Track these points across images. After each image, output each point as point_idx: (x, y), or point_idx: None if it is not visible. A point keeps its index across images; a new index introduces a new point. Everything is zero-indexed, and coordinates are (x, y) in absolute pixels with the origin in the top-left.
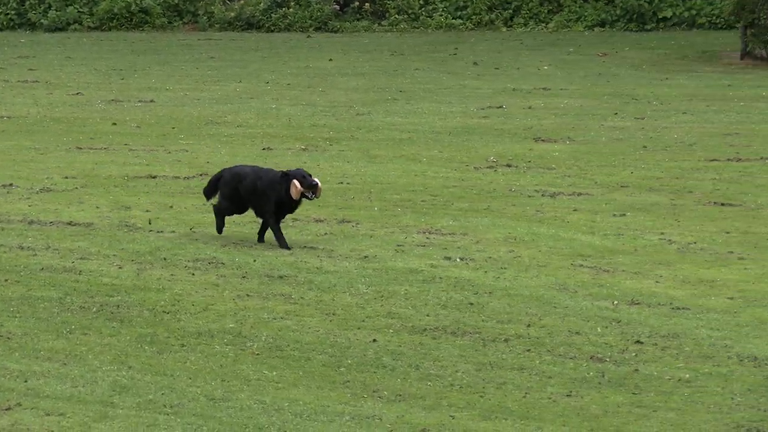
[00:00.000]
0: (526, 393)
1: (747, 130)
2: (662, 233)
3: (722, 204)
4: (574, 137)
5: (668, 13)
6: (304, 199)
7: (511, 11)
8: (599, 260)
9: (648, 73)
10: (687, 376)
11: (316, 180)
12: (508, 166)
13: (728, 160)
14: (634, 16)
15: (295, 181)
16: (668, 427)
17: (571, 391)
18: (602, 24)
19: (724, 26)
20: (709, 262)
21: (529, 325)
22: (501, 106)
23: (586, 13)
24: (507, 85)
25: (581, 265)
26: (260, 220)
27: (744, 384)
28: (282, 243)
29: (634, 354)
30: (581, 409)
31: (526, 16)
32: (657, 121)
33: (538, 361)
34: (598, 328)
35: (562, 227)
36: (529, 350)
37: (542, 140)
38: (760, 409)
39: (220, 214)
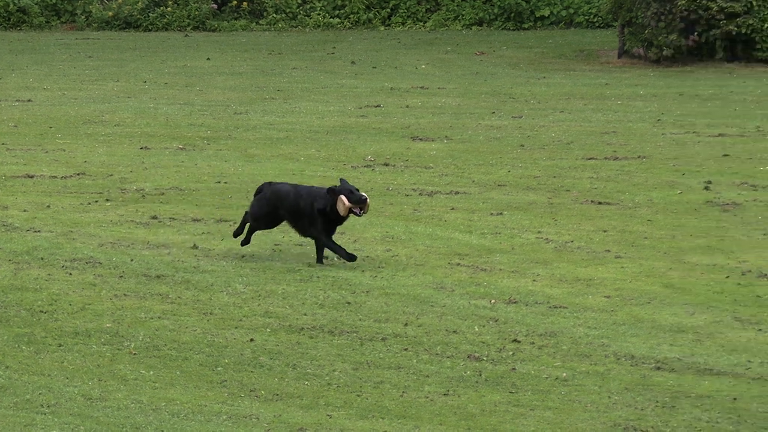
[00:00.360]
0: (403, 392)
1: (624, 128)
2: (539, 232)
3: (599, 202)
4: (452, 136)
5: (546, 12)
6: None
7: (388, 10)
8: (476, 259)
9: (525, 72)
10: (564, 374)
11: (365, 195)
12: (386, 165)
13: (605, 158)
14: (512, 15)
15: (343, 197)
16: (545, 425)
17: (448, 390)
18: (480, 23)
19: (602, 25)
20: (586, 260)
21: (406, 324)
22: (378, 105)
23: (463, 12)
24: (385, 84)
25: (458, 264)
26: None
27: (621, 382)
28: (343, 254)
29: (511, 353)
30: (458, 407)
31: (403, 15)
32: (534, 120)
33: (415, 360)
34: (476, 327)
35: (439, 226)
36: (406, 349)
37: (420, 139)
38: (637, 408)
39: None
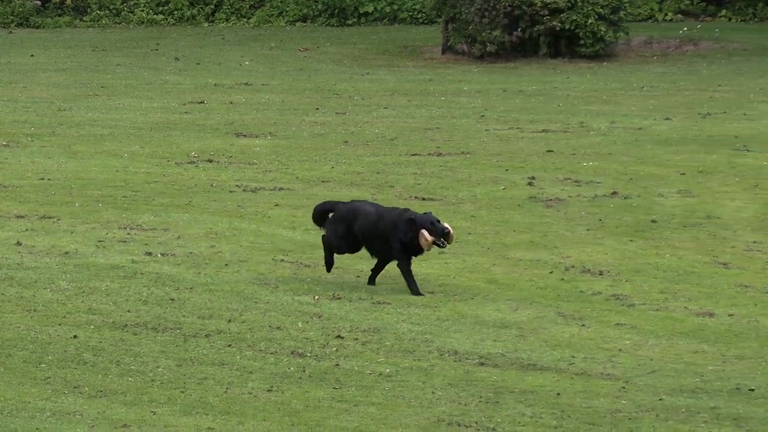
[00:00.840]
0: (227, 388)
1: (448, 124)
2: None
3: (423, 198)
4: (276, 132)
5: (369, 8)
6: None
7: (212, 6)
8: (300, 255)
9: (349, 68)
10: (388, 370)
11: (447, 226)
12: (210, 161)
13: (429, 154)
14: (336, 11)
15: (424, 232)
16: (369, 421)
17: (272, 386)
18: (304, 19)
19: (426, 21)
20: None
21: (230, 321)
22: (202, 102)
23: (287, 8)
24: (208, 80)
25: (282, 260)
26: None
27: (445, 378)
28: (414, 289)
29: (335, 349)
30: (282, 404)
31: (227, 11)
32: (358, 116)
33: (239, 357)
34: (299, 323)
35: (263, 222)
36: (230, 345)
37: (244, 135)
38: (461, 403)
39: (331, 250)
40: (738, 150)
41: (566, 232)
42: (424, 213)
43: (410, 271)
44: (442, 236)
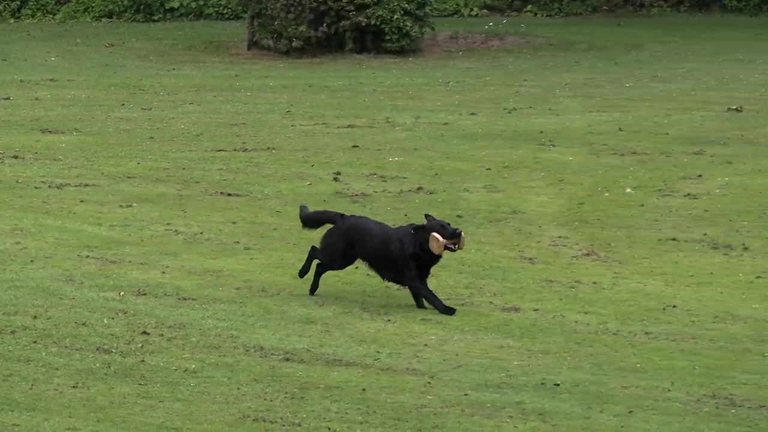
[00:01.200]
0: (32, 385)
1: (254, 120)
2: (169, 224)
3: (229, 194)
4: (81, 128)
5: (175, 4)
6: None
7: (18, 2)
8: (106, 251)
9: (155, 64)
10: (193, 366)
11: (459, 228)
12: (15, 157)
13: (235, 150)
14: (142, 6)
15: (436, 234)
16: (174, 417)
17: (77, 383)
18: (110, 15)
19: (231, 17)
20: (215, 252)
21: (35, 317)
22: (8, 98)
23: (93, 4)
24: (14, 76)
25: (88, 256)
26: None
27: (250, 374)
28: (440, 307)
29: (140, 345)
30: (87, 400)
31: (33, 7)
32: (164, 112)
33: (44, 353)
34: (105, 319)
35: (68, 218)
36: (35, 342)
37: (49, 131)
38: (266, 399)
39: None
40: (543, 145)
41: None
42: (431, 220)
43: (428, 289)
44: (453, 238)
